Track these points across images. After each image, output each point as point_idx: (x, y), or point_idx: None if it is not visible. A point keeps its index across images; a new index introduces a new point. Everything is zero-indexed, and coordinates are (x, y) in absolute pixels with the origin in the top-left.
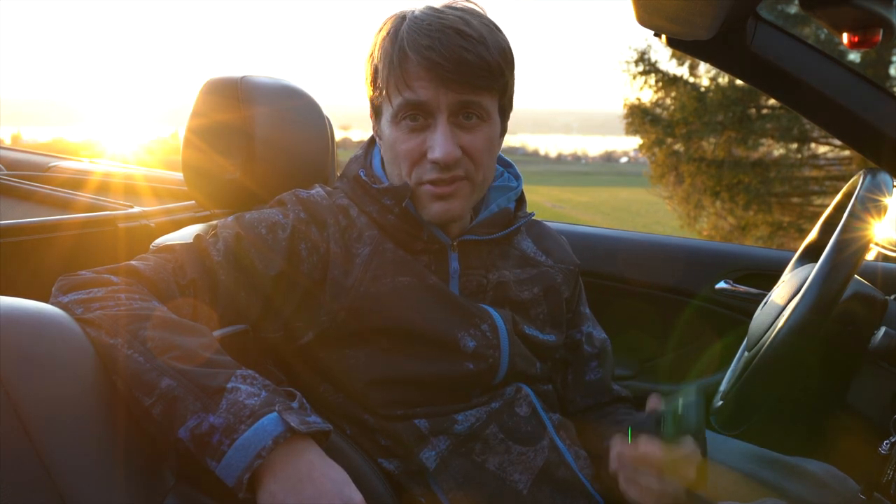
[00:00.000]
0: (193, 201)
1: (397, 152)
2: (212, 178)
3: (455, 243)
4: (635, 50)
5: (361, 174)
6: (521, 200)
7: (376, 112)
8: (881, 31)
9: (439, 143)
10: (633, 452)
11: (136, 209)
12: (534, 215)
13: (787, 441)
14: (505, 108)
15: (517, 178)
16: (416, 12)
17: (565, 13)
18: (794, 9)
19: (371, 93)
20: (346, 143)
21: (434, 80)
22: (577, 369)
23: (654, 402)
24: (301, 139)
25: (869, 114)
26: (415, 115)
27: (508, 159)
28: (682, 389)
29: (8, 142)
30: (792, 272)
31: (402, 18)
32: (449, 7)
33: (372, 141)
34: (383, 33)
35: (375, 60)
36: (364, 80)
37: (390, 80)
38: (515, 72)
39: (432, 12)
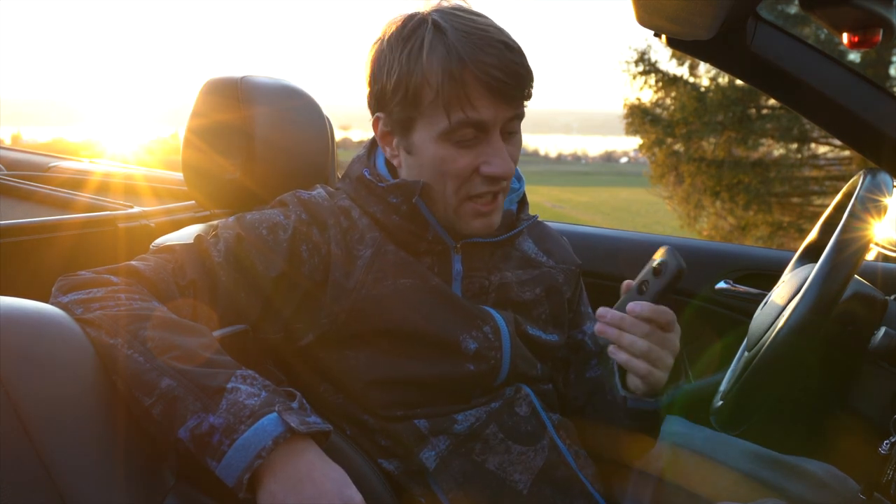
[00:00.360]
0: (193, 201)
1: (445, 171)
2: (212, 178)
3: (459, 245)
4: (635, 50)
5: (366, 174)
6: (522, 202)
7: (404, 126)
8: (881, 31)
9: (498, 160)
10: (611, 315)
11: (136, 209)
12: (536, 218)
13: (787, 441)
14: None
15: (519, 179)
16: (448, 23)
17: (565, 13)
18: (794, 9)
19: (403, 107)
20: (346, 143)
21: (496, 98)
22: (579, 368)
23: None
24: (301, 139)
25: (869, 114)
26: (470, 132)
27: None
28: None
29: (8, 142)
30: (792, 272)
31: (435, 27)
32: (470, 13)
33: (375, 141)
34: (414, 44)
35: (416, 75)
36: (382, 90)
37: (446, 97)
38: None
39: (471, 24)
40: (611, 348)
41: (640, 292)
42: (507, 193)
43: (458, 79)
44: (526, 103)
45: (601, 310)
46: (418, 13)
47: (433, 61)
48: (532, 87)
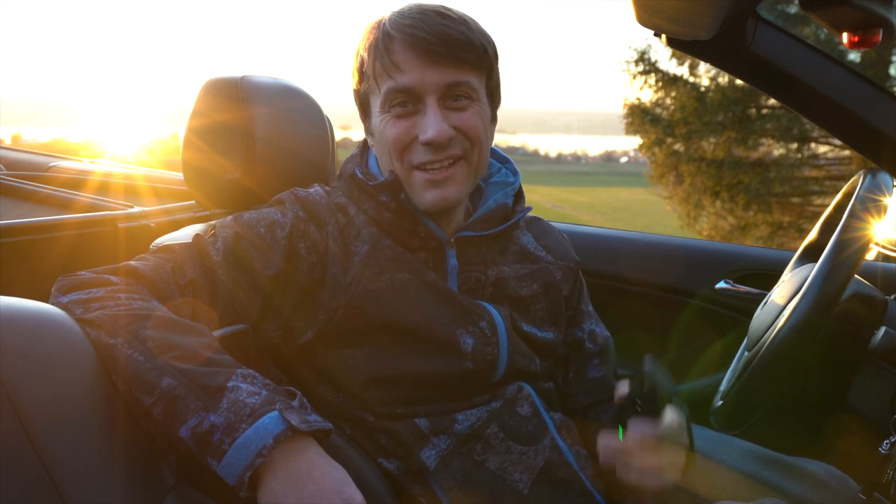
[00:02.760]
0: (193, 201)
1: (386, 139)
2: (212, 178)
3: (452, 239)
4: (635, 50)
5: (357, 172)
6: (519, 195)
7: (364, 108)
8: (881, 31)
9: (431, 124)
10: (618, 444)
11: (136, 209)
12: (531, 209)
13: (787, 441)
14: (493, 92)
15: (515, 173)
16: (397, 7)
17: (565, 13)
18: (794, 9)
19: (358, 85)
20: (346, 143)
21: (420, 57)
22: (579, 367)
23: (620, 389)
24: (301, 139)
25: (869, 114)
26: (404, 102)
27: (506, 155)
28: (640, 365)
29: (8, 142)
30: (792, 272)
31: (384, 14)
32: (436, 5)
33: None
34: (366, 30)
35: (361, 53)
36: (350, 77)
37: (377, 65)
38: (499, 63)
39: (413, 3)
40: (620, 470)
41: (635, 411)
42: (472, 167)
43: (382, 45)
44: (474, 73)
45: (606, 440)
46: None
47: (369, 37)
48: (472, 51)
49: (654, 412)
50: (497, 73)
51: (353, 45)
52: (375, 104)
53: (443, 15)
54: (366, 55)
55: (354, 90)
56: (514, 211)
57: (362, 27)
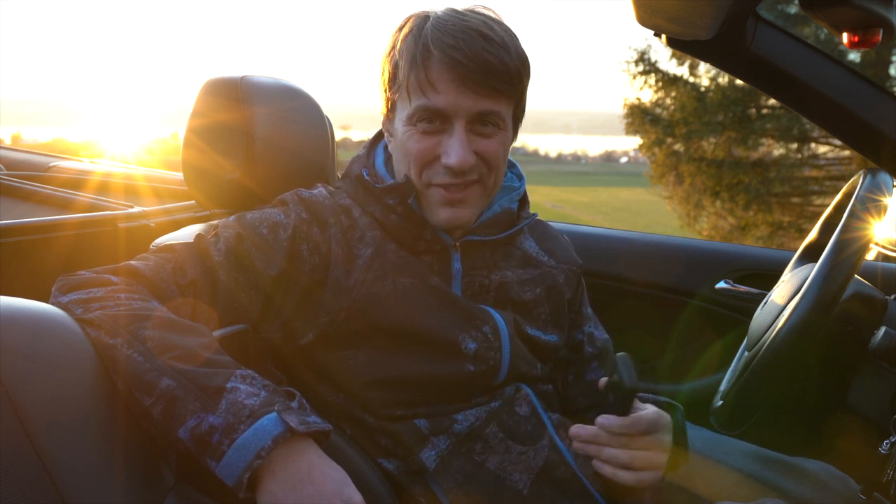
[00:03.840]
0: (193, 201)
1: (408, 150)
2: (212, 178)
3: (458, 244)
4: (635, 50)
5: (364, 174)
6: (524, 201)
7: (389, 107)
8: (881, 31)
9: (455, 150)
10: (584, 432)
11: (136, 209)
12: (536, 216)
13: (787, 441)
14: (518, 116)
15: (520, 178)
16: (440, 13)
17: (565, 13)
18: (794, 9)
19: (388, 89)
20: (346, 143)
21: (456, 81)
22: (578, 369)
23: (601, 381)
24: (301, 139)
25: (869, 114)
26: (431, 119)
27: (512, 159)
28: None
29: (8, 142)
30: (792, 272)
31: (425, 18)
32: (471, 11)
33: (374, 140)
34: (405, 31)
35: (396, 57)
36: (380, 76)
37: (411, 77)
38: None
39: (455, 14)
40: (595, 462)
41: (608, 404)
42: (487, 190)
43: (420, 58)
44: (506, 103)
45: (574, 428)
46: (434, 10)
47: (407, 43)
48: (508, 82)
49: (622, 408)
50: (526, 96)
51: (387, 40)
52: (402, 111)
53: (485, 37)
54: (401, 61)
55: (384, 88)
56: (518, 217)
57: (399, 24)
